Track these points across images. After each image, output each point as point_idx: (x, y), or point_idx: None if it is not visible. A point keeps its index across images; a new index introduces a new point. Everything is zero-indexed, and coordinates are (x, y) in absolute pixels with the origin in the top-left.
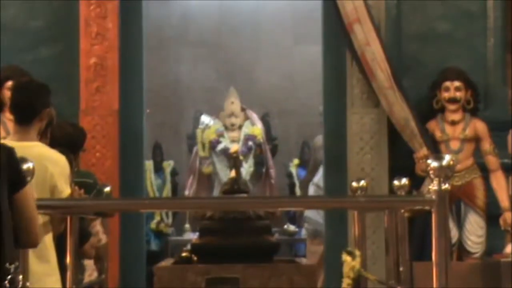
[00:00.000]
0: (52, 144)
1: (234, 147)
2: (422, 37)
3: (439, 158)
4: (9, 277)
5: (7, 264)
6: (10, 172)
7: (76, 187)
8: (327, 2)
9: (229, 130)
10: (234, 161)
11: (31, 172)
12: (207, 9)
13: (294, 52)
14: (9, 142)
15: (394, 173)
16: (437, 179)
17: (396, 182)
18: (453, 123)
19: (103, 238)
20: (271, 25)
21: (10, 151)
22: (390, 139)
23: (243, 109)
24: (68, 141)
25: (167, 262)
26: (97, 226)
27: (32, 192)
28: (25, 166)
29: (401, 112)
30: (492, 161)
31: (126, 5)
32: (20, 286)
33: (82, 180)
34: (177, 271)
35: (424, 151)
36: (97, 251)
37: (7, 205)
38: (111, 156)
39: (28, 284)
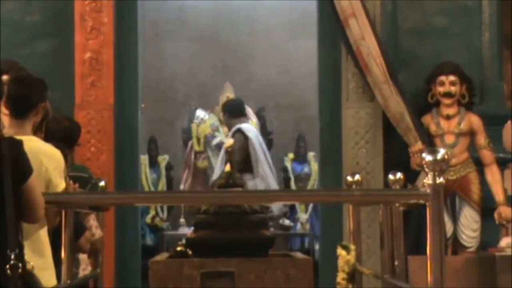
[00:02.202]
0: (48, 138)
1: (229, 142)
2: (418, 31)
3: (434, 152)
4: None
5: (8, 251)
6: (18, 164)
7: (71, 181)
8: None
9: (224, 124)
10: (229, 155)
11: None
12: (203, 4)
13: (290, 47)
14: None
15: (389, 167)
16: (432, 173)
17: (391, 176)
18: (448, 117)
19: (97, 233)
20: (267, 20)
21: (17, 144)
22: (385, 133)
23: None
24: (63, 135)
25: (162, 256)
26: (90, 220)
27: (36, 179)
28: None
29: (397, 106)
30: (487, 155)
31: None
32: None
33: (77, 174)
34: (172, 265)
35: (419, 145)
36: (91, 246)
37: (11, 195)
38: (106, 151)
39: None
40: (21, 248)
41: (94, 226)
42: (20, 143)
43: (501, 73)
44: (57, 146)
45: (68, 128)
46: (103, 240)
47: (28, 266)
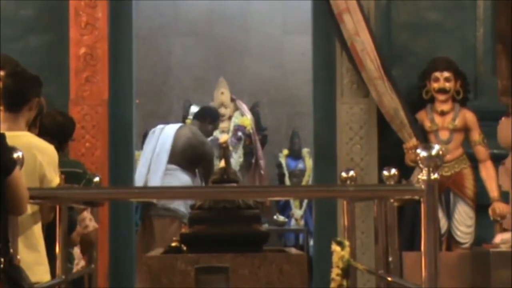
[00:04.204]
0: (42, 133)
1: (223, 137)
2: (412, 27)
3: (428, 147)
4: None
5: None
6: (1, 157)
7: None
8: None
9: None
10: (223, 151)
11: (21, 161)
12: None
13: (284, 42)
14: None
15: (384, 163)
16: (426, 168)
17: (385, 172)
18: (443, 113)
19: (90, 225)
20: (261, 15)
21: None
22: (379, 129)
23: (232, 100)
24: (58, 130)
25: (156, 252)
26: (84, 212)
27: (20, 172)
28: (14, 155)
29: (391, 102)
30: (481, 151)
31: None
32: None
33: (72, 170)
34: (166, 260)
35: (413, 141)
36: (85, 238)
37: None
38: (101, 146)
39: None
40: (6, 242)
41: (88, 218)
42: (2, 136)
43: (496, 68)
44: (49, 142)
45: (62, 123)
46: (97, 233)
47: (15, 261)
